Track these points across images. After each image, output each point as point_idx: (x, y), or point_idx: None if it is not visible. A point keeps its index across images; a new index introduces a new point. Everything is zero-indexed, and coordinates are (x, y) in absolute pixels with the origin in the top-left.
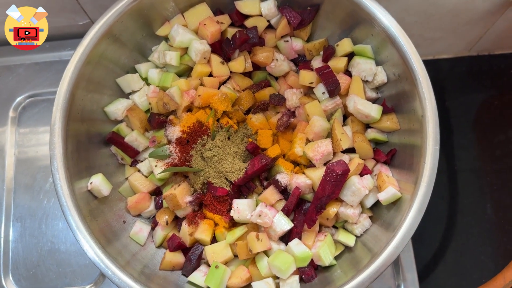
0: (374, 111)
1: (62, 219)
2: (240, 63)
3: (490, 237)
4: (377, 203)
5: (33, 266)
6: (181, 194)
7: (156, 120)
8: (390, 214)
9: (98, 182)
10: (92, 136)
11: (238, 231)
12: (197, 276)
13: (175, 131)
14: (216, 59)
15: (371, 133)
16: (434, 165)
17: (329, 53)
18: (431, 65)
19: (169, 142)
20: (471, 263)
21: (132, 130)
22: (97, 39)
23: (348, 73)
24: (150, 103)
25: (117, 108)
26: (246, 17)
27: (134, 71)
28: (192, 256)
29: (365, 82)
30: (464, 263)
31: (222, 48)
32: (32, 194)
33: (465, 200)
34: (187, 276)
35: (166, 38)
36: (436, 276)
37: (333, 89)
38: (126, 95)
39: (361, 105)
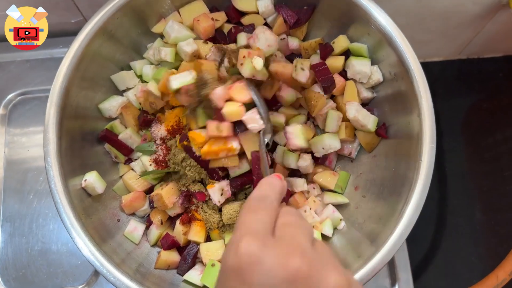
0: (371, 123)
1: (53, 219)
2: None
3: (479, 238)
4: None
5: (23, 266)
6: (167, 194)
7: (143, 119)
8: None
9: (92, 180)
10: (86, 134)
11: None
12: (193, 275)
13: (160, 129)
14: None
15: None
16: (431, 163)
17: (328, 51)
18: None
19: (155, 140)
20: (462, 264)
21: (126, 127)
22: (92, 35)
23: (344, 72)
24: (140, 103)
25: (112, 105)
26: (243, 14)
27: (129, 68)
28: (188, 255)
29: (361, 82)
30: (455, 263)
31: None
32: (23, 194)
33: (454, 201)
34: (182, 275)
35: (161, 35)
36: (428, 277)
37: (328, 86)
38: (121, 92)
39: (361, 116)
